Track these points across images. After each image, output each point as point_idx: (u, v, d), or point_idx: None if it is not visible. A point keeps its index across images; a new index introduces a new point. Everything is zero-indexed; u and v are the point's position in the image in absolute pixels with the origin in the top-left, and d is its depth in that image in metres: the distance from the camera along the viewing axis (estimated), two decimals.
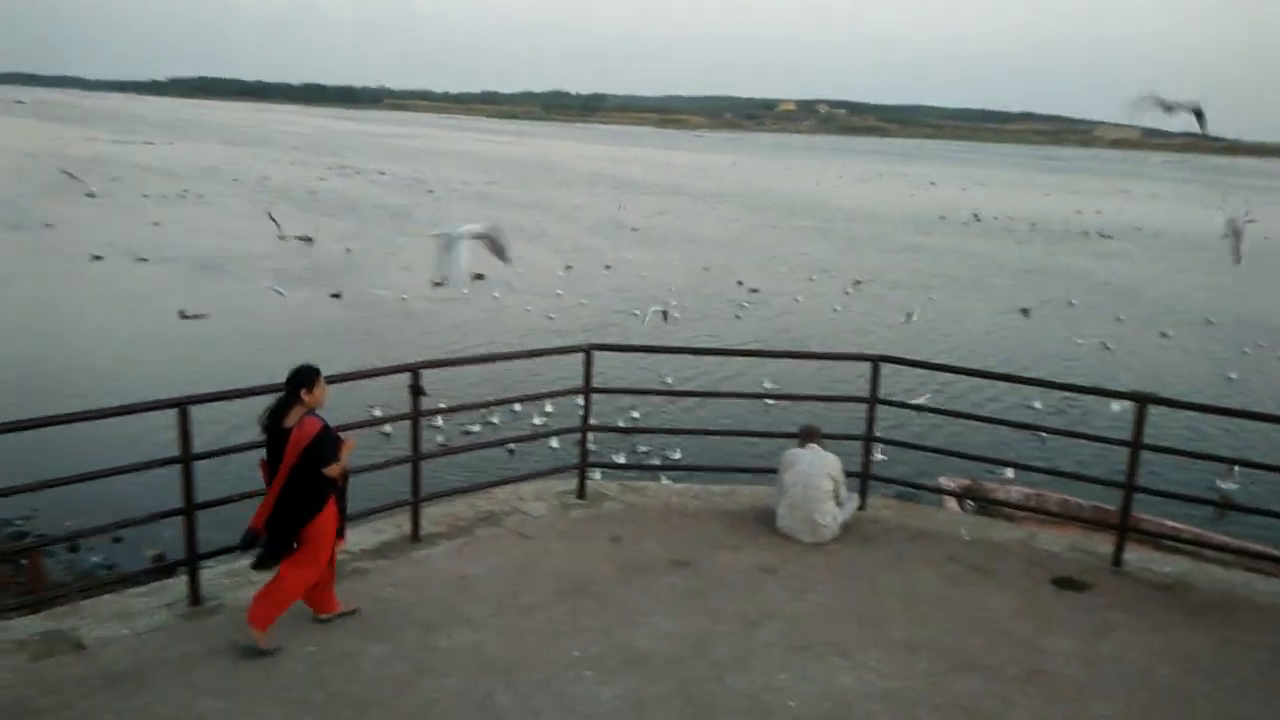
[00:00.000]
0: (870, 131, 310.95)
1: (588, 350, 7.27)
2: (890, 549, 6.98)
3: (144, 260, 29.28)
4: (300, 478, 5.08)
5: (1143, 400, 6.66)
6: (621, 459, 12.93)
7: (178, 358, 18.72)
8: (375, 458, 7.78)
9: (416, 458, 6.60)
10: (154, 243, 32.10)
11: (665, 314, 22.60)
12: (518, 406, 14.58)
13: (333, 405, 5.43)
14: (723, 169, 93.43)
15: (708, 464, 10.34)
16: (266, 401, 5.28)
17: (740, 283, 29.73)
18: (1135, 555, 7.04)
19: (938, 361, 9.78)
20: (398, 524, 6.86)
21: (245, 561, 5.53)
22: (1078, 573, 6.70)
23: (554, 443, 12.59)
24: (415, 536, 6.70)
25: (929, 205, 62.54)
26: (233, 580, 5.97)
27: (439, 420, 14.01)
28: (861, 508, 7.60)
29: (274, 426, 5.15)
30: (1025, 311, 27.42)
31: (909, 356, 8.09)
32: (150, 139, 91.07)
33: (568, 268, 31.66)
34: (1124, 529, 6.82)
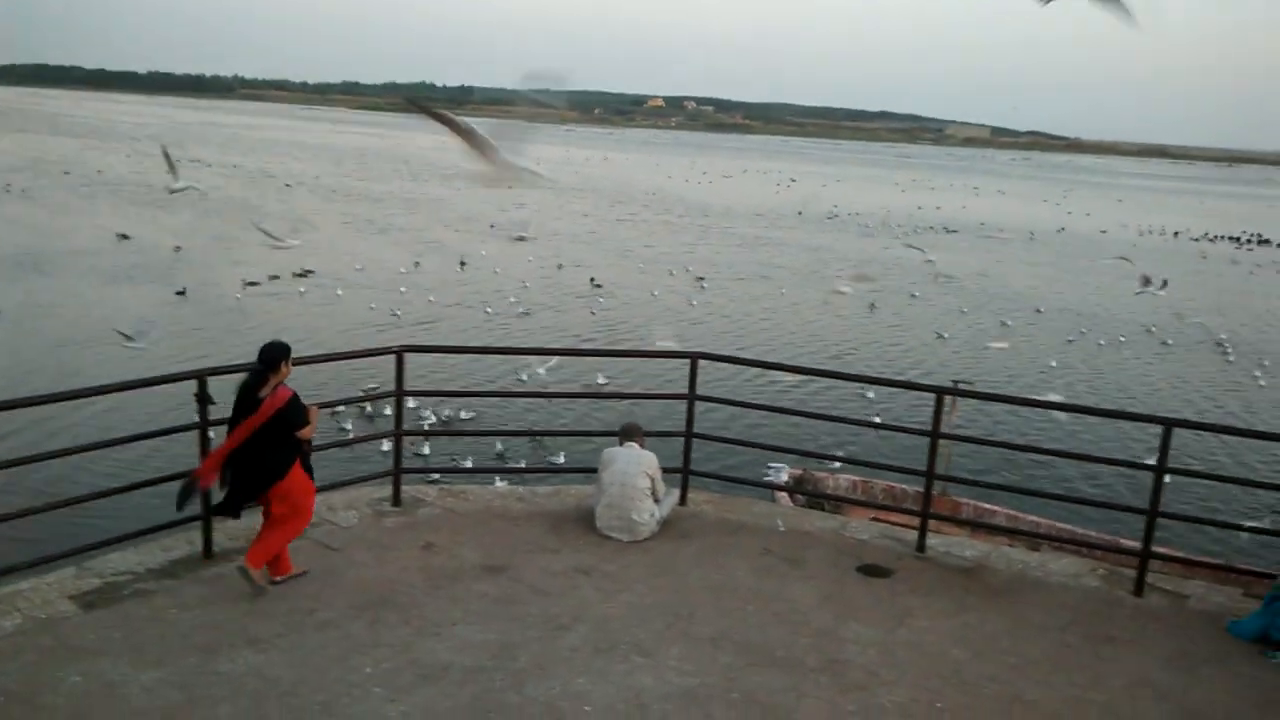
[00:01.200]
0: (736, 128, 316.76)
1: (399, 352, 7.02)
2: (706, 543, 7.01)
3: None
4: (270, 439, 5.71)
5: (941, 393, 6.90)
6: (443, 462, 12.28)
7: None
8: (161, 470, 7.30)
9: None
10: None
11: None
12: (339, 408, 13.80)
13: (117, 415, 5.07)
14: (592, 164, 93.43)
15: (535, 465, 10.20)
16: None
17: (592, 279, 29.76)
18: (939, 541, 7.30)
19: (755, 358, 9.94)
20: (190, 540, 6.46)
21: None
22: (883, 560, 6.88)
23: (385, 445, 12.18)
24: (208, 553, 6.31)
25: (790, 201, 64.18)
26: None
27: None
28: (682, 503, 7.62)
29: (249, 397, 5.73)
30: (872, 306, 28.41)
31: (729, 353, 8.16)
32: None
33: (416, 264, 31.05)
34: (925, 515, 7.05)
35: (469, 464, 10.90)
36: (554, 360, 17.20)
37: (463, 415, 15.08)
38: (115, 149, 73.66)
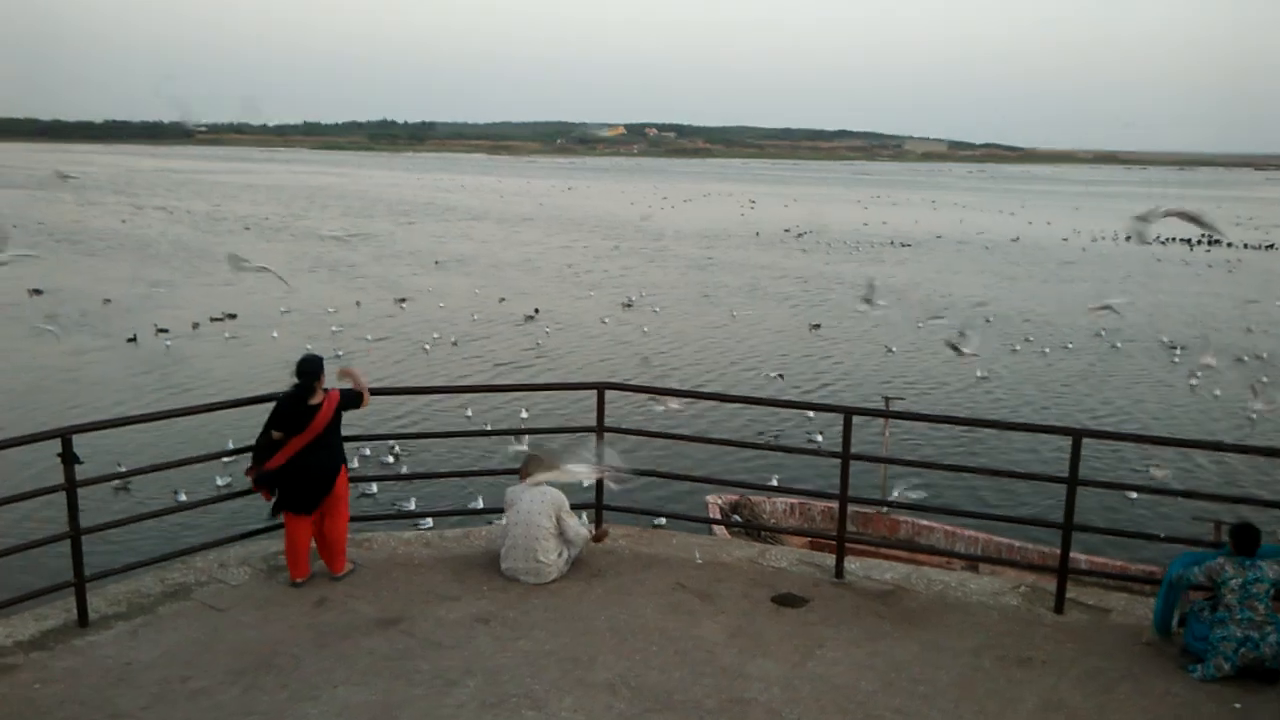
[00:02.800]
0: (698, 153, 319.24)
1: (274, 399, 6.72)
2: (618, 581, 6.76)
3: None
4: (330, 439, 6.46)
5: (848, 412, 6.71)
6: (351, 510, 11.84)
7: None
8: (26, 535, 6.94)
9: (75, 533, 5.90)
10: None
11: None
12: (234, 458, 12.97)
13: None
14: (557, 195, 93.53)
15: (442, 509, 9.90)
16: None
17: (536, 310, 29.59)
18: (859, 565, 7.09)
19: (663, 386, 9.74)
20: (66, 608, 6.11)
21: None
22: (799, 588, 6.66)
23: None
24: (83, 621, 5.97)
25: (750, 223, 64.50)
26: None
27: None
28: (596, 540, 7.37)
29: (298, 409, 6.38)
30: (816, 326, 28.29)
31: (635, 382, 7.93)
32: None
33: (357, 303, 30.76)
34: (842, 540, 6.84)
35: (397, 508, 10.59)
36: (476, 395, 16.96)
37: (374, 457, 14.72)
38: (62, 199, 72.77)
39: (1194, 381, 22.86)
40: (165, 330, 25.77)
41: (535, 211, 67.56)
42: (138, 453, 13.94)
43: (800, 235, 56.81)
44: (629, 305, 30.97)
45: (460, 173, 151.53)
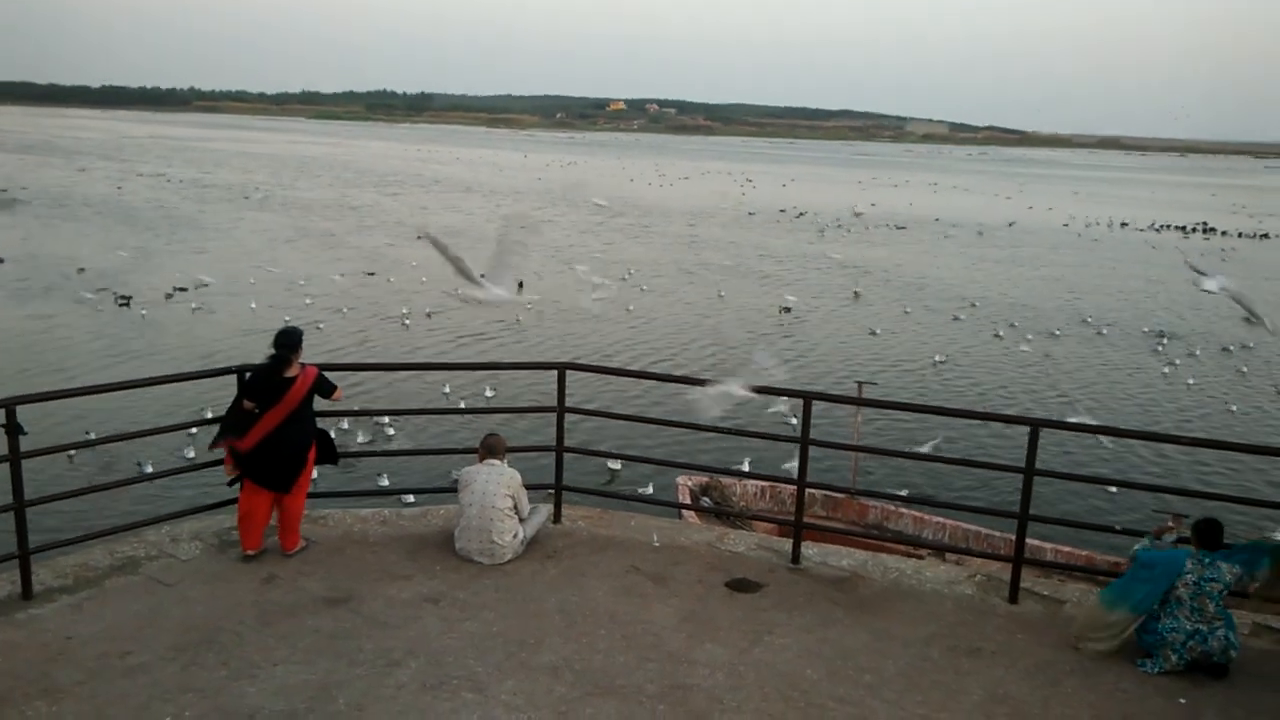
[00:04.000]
0: (698, 130, 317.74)
1: (240, 371, 6.65)
2: (572, 563, 6.71)
3: None
4: (305, 412, 6.43)
5: (807, 397, 6.65)
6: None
7: None
8: None
9: (19, 505, 5.82)
10: None
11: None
12: (193, 430, 12.29)
13: None
14: (557, 169, 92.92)
15: (400, 486, 9.82)
16: None
17: (519, 284, 29.45)
18: (816, 550, 7.04)
19: (621, 366, 9.63)
20: (11, 580, 6.05)
21: None
22: (755, 573, 6.61)
23: None
24: (26, 594, 5.91)
25: (747, 202, 64.25)
26: None
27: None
28: (557, 521, 7.32)
29: (273, 381, 6.31)
30: (786, 309, 27.88)
31: (595, 363, 7.86)
32: None
33: (336, 276, 30.55)
34: (799, 525, 6.79)
35: (359, 486, 10.50)
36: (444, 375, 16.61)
37: (331, 434, 14.60)
38: (56, 165, 72.32)
39: (1167, 369, 22.78)
40: (127, 299, 25.54)
41: (532, 185, 67.18)
42: (100, 424, 13.81)
43: (799, 216, 56.61)
44: (624, 279, 30.77)
45: (458, 145, 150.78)
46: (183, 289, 27.01)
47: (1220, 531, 5.74)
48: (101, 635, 5.54)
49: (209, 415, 7.33)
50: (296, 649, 5.46)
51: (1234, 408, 19.96)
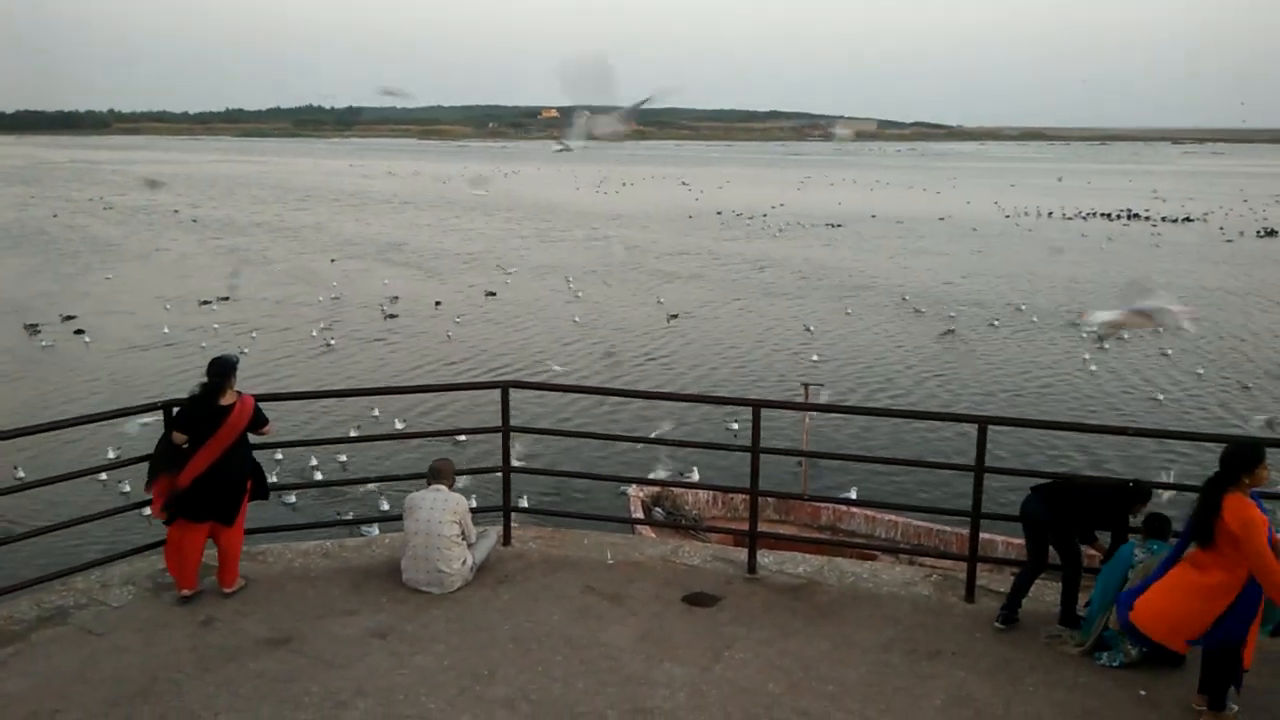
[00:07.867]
0: (630, 135, 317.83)
1: (166, 406, 6.36)
2: (525, 587, 6.53)
3: None
4: (243, 442, 6.21)
5: (756, 404, 6.58)
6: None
7: None
8: None
9: None
10: None
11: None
12: (103, 476, 12.23)
13: None
14: (496, 180, 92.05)
15: (351, 516, 9.55)
16: None
17: (438, 303, 29.17)
18: (771, 559, 6.96)
19: (567, 383, 9.52)
20: None
21: None
22: (712, 586, 6.51)
23: None
24: None
25: (684, 206, 64.46)
26: None
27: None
28: (506, 543, 7.14)
29: (207, 408, 6.08)
30: (675, 316, 27.75)
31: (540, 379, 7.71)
32: None
33: (270, 300, 29.88)
34: (754, 535, 6.71)
35: (294, 520, 10.15)
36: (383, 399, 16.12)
37: (270, 464, 14.17)
38: None
39: (1092, 362, 23.10)
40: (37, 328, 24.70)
41: (479, 202, 66.47)
42: (17, 468, 13.26)
43: (738, 216, 56.98)
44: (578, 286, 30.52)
45: (389, 156, 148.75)
46: (70, 317, 26.18)
47: (1167, 523, 5.81)
48: (29, 693, 5.23)
49: (134, 455, 6.99)
50: (238, 695, 5.22)
51: (1160, 396, 20.47)
